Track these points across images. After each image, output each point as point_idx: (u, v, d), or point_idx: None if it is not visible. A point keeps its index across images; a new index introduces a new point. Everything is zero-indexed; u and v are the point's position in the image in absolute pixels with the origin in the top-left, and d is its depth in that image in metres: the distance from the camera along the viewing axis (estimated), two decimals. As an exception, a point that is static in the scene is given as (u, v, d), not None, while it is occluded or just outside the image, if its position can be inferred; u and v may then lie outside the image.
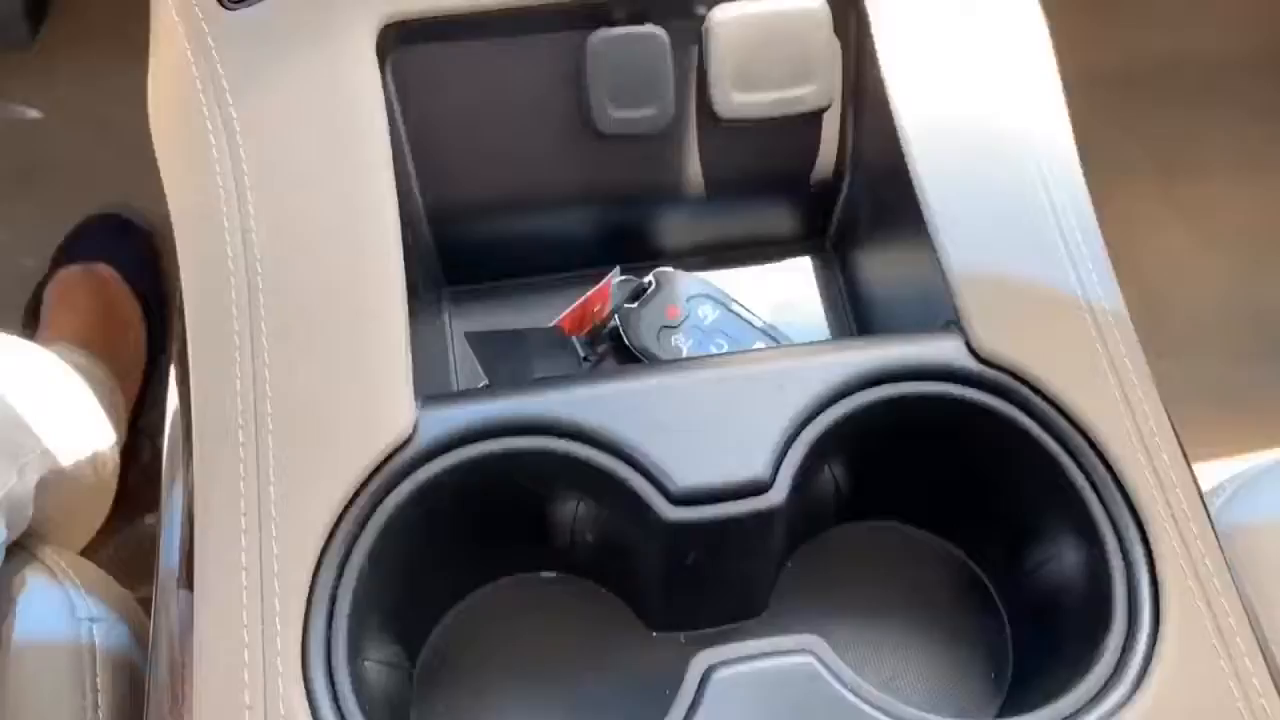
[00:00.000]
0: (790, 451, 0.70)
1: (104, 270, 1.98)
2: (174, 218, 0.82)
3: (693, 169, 0.94)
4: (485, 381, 0.83)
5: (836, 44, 0.90)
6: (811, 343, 0.89)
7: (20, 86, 2.32)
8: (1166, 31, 2.26)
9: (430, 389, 0.77)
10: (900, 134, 0.82)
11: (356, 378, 0.73)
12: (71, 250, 2.08)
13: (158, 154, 0.88)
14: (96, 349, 1.77)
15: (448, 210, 0.92)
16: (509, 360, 0.79)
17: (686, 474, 0.69)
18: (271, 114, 0.81)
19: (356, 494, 0.68)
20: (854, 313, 0.96)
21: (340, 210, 0.78)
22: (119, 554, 1.53)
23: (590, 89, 0.86)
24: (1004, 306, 0.76)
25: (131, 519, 1.67)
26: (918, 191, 0.80)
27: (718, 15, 0.86)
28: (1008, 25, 0.88)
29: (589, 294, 0.90)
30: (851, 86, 0.91)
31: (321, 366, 0.73)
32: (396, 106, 0.86)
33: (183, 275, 0.80)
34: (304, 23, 0.83)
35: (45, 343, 1.74)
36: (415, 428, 0.70)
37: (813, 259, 1.00)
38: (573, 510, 0.73)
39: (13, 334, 1.90)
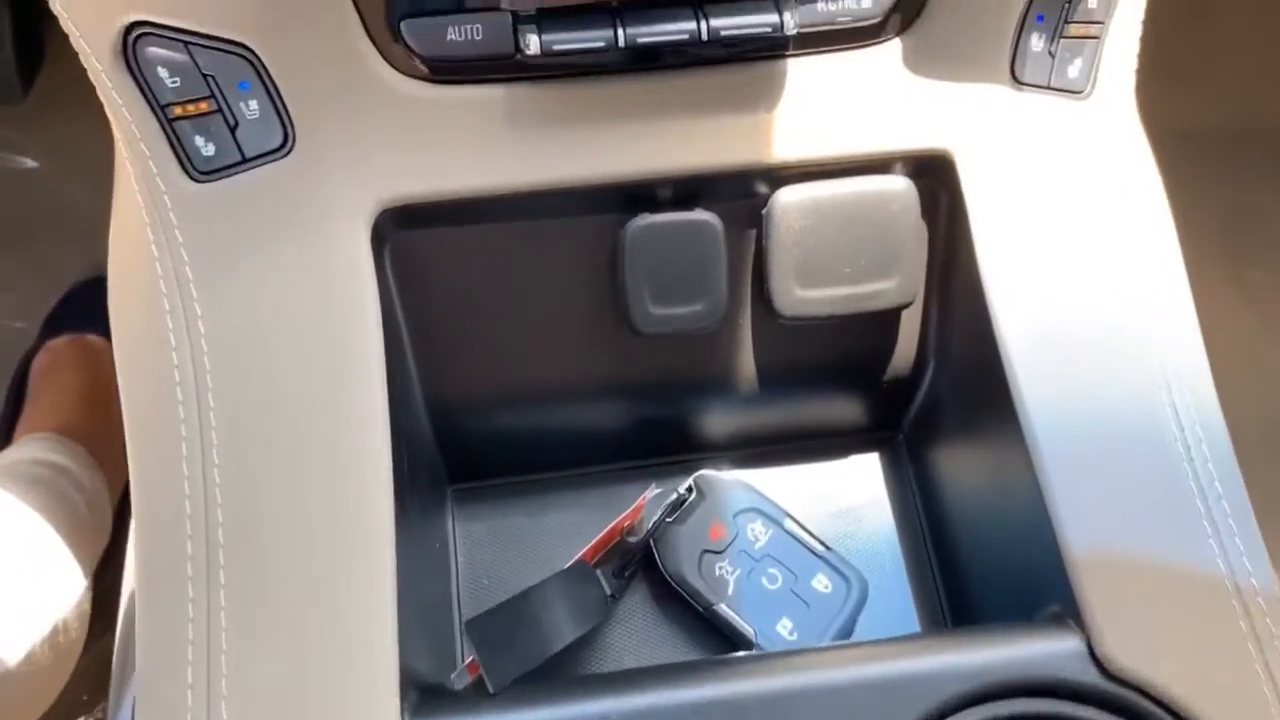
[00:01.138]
0: None
1: (94, 341, 1.86)
2: (128, 435, 0.69)
3: (744, 363, 0.79)
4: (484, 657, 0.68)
5: (924, 229, 0.75)
6: (898, 640, 0.73)
7: (14, 136, 2.20)
8: (1238, 97, 2.11)
9: (429, 598, 0.64)
10: (1000, 346, 0.68)
11: (331, 668, 0.59)
12: (60, 318, 1.96)
13: (113, 339, 0.75)
14: (81, 435, 1.65)
15: (452, 404, 0.78)
16: (517, 637, 0.65)
17: None
18: (242, 310, 0.68)
19: None
20: (929, 527, 0.82)
21: (321, 428, 0.65)
22: (92, 666, 1.42)
23: (627, 284, 0.72)
24: (1132, 595, 0.61)
25: (110, 625, 1.56)
26: (1019, 416, 0.66)
27: (782, 198, 0.72)
28: (1128, 209, 0.74)
29: (616, 520, 0.75)
30: (939, 276, 0.77)
31: (289, 651, 0.59)
32: (396, 294, 0.73)
33: (134, 505, 0.67)
34: (287, 204, 0.69)
35: (24, 434, 1.63)
36: None
37: (881, 455, 0.86)
38: None
39: (-7, 418, 1.80)
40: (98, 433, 1.67)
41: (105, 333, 1.99)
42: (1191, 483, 0.67)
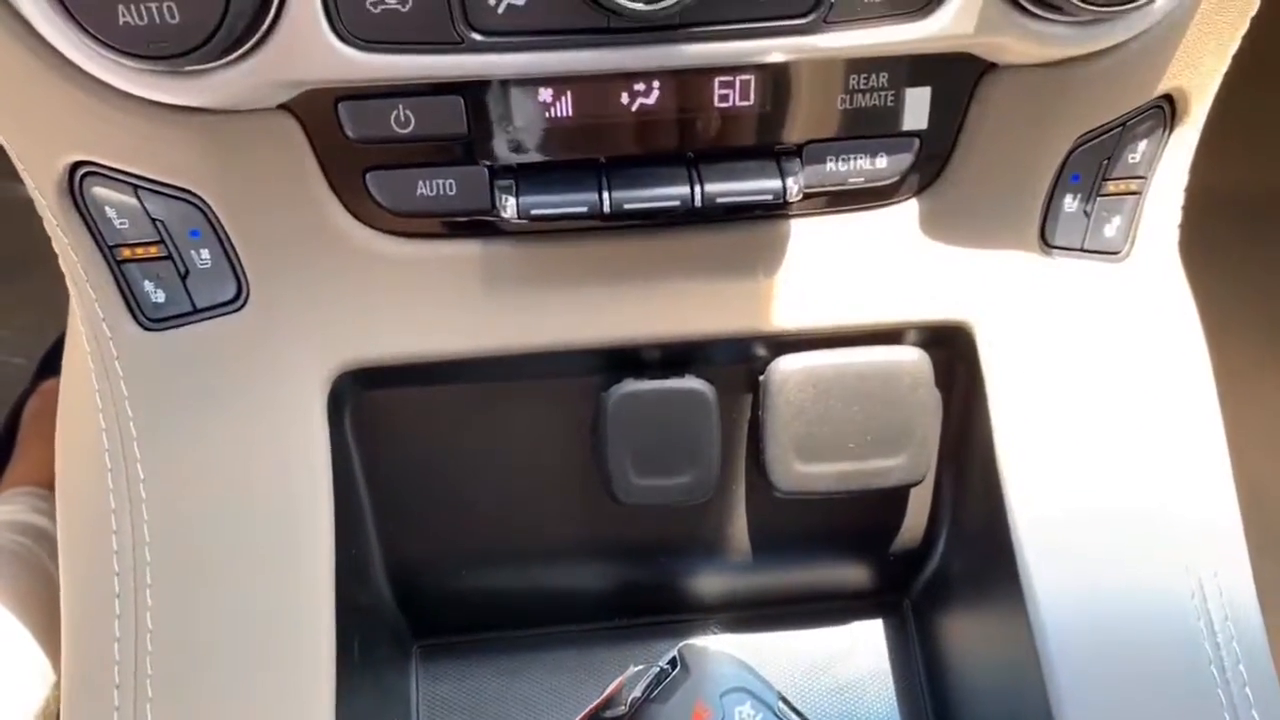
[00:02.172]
0: None
1: (90, 384, 1.83)
2: (63, 596, 0.64)
3: (736, 531, 0.73)
4: None
5: (938, 402, 0.68)
6: None
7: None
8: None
9: None
10: (1011, 528, 0.62)
11: None
12: (57, 357, 1.93)
13: (57, 486, 0.70)
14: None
15: (416, 564, 0.73)
16: None
17: None
18: (187, 473, 0.62)
19: None
20: (933, 708, 0.75)
21: (261, 606, 0.60)
22: None
23: (608, 452, 0.65)
24: None
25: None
26: (1028, 605, 0.61)
27: (782, 366, 0.65)
28: (1165, 379, 0.67)
29: (591, 706, 0.69)
30: (952, 449, 0.70)
31: None
32: (356, 455, 0.67)
33: (64, 663, 0.62)
34: (239, 360, 0.63)
35: (10, 485, 1.59)
36: None
37: (886, 621, 0.79)
38: None
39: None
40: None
41: (102, 374, 1.92)
42: (1220, 691, 0.60)
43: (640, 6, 0.50)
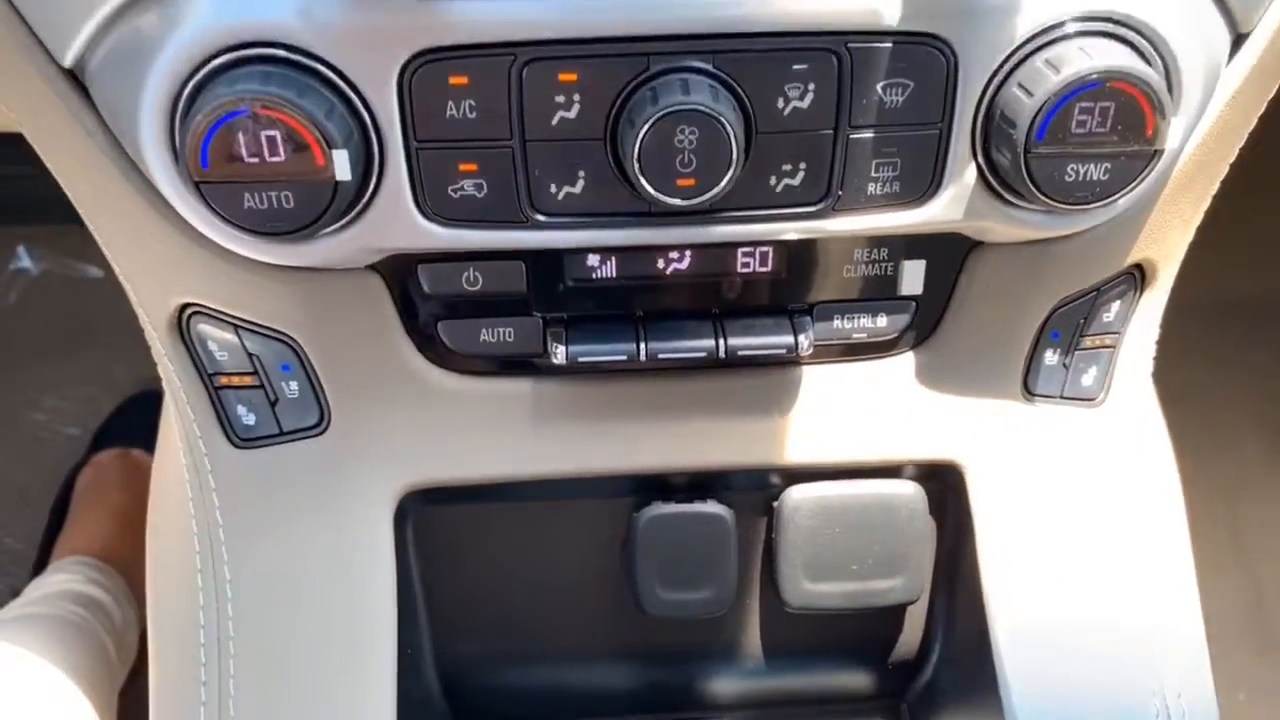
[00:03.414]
0: None
1: (140, 457, 1.91)
2: (151, 681, 0.72)
3: (750, 640, 0.81)
4: None
5: (932, 530, 0.77)
6: None
7: (85, 246, 2.29)
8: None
9: None
10: (994, 646, 0.69)
11: None
12: (110, 430, 2.03)
13: (147, 580, 0.79)
14: (118, 559, 1.69)
15: (462, 662, 0.81)
16: None
17: None
18: (268, 575, 0.71)
19: None
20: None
21: (331, 695, 0.68)
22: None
23: (637, 568, 0.74)
24: None
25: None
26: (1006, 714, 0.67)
27: (794, 495, 0.74)
28: (1138, 514, 0.75)
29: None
30: (945, 572, 0.78)
31: None
32: (415, 564, 0.76)
33: None
34: (318, 479, 0.72)
35: (63, 554, 1.68)
36: None
37: (884, 721, 0.86)
38: None
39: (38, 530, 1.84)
40: (134, 555, 1.71)
41: (152, 448, 2.04)
42: None
43: (677, 201, 0.60)
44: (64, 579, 1.59)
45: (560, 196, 0.63)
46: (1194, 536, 0.80)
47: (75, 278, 2.19)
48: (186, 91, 0.58)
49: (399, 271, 0.69)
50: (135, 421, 2.00)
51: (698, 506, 0.74)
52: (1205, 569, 0.77)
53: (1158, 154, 0.60)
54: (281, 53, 0.58)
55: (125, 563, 1.69)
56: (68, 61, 0.62)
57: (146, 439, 2.03)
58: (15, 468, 1.98)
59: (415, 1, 0.58)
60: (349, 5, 0.57)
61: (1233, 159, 0.73)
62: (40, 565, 1.74)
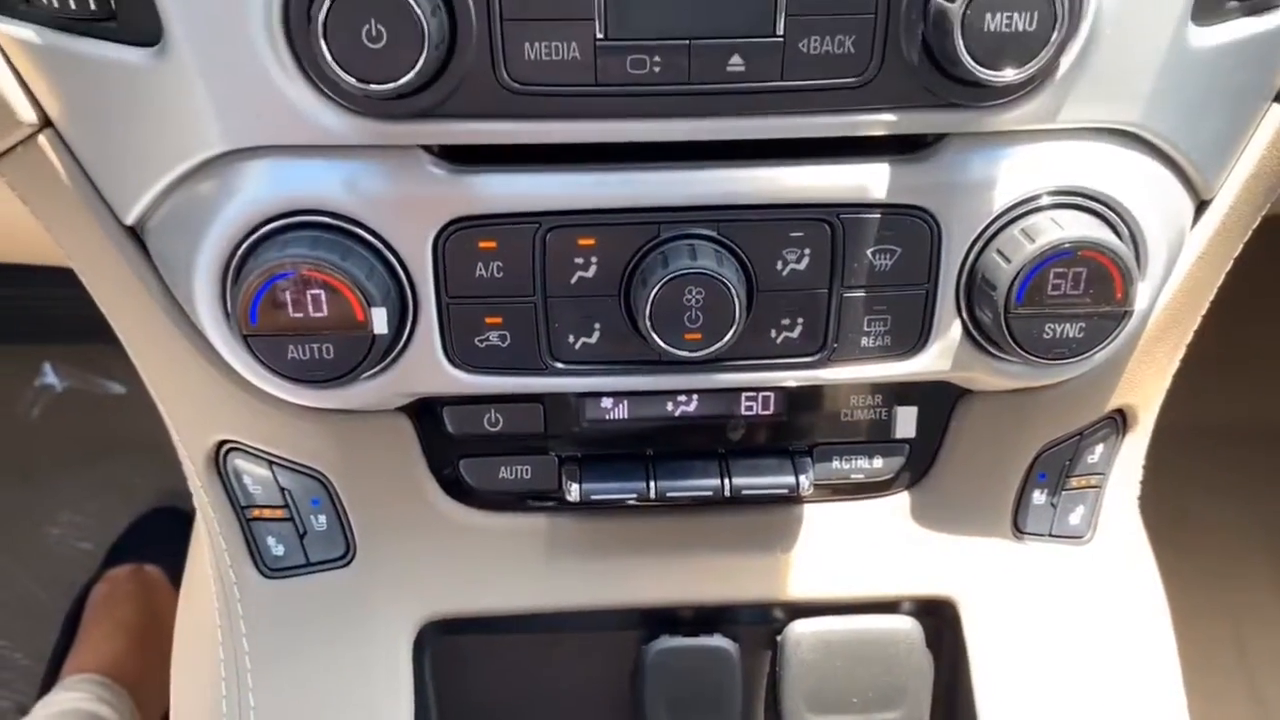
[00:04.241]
0: None
1: (153, 574, 1.94)
2: None
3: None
4: None
5: (929, 662, 0.80)
6: None
7: (110, 363, 2.37)
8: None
9: None
10: None
11: None
12: (125, 546, 2.05)
13: (172, 702, 0.81)
14: (128, 676, 1.70)
15: None
16: None
17: None
18: (292, 700, 0.74)
19: None
20: None
21: None
22: None
23: (645, 699, 0.77)
24: None
25: None
26: None
27: (796, 629, 0.78)
28: (1128, 647, 0.78)
29: None
30: (944, 701, 0.81)
31: None
32: (432, 687, 0.79)
33: None
34: (342, 608, 0.76)
35: (72, 672, 1.69)
36: None
37: None
38: None
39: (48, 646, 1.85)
40: (144, 674, 1.72)
41: (166, 564, 2.07)
42: None
43: (685, 354, 0.65)
44: (72, 698, 1.60)
45: (577, 346, 0.68)
46: (1200, 661, 0.82)
47: (98, 393, 2.25)
48: (239, 253, 0.64)
49: (425, 413, 0.74)
50: (149, 537, 2.04)
51: (704, 640, 0.77)
52: (1212, 694, 0.79)
53: (1128, 314, 0.65)
54: (328, 219, 0.64)
55: (134, 681, 1.70)
56: (129, 220, 0.69)
57: (160, 555, 2.06)
58: (29, 581, 2.01)
59: (450, 176, 0.64)
60: (391, 179, 0.64)
61: (1205, 310, 0.79)
62: (49, 681, 1.75)
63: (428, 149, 0.64)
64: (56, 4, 0.62)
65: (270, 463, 0.76)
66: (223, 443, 0.76)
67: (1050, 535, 0.80)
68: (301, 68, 0.59)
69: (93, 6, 0.62)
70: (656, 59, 0.60)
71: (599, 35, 0.59)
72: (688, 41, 0.60)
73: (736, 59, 0.61)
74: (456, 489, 0.77)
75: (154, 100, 0.63)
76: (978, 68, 0.58)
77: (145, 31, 0.62)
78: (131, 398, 2.38)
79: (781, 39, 0.60)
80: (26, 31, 0.64)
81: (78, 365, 2.26)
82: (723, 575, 0.77)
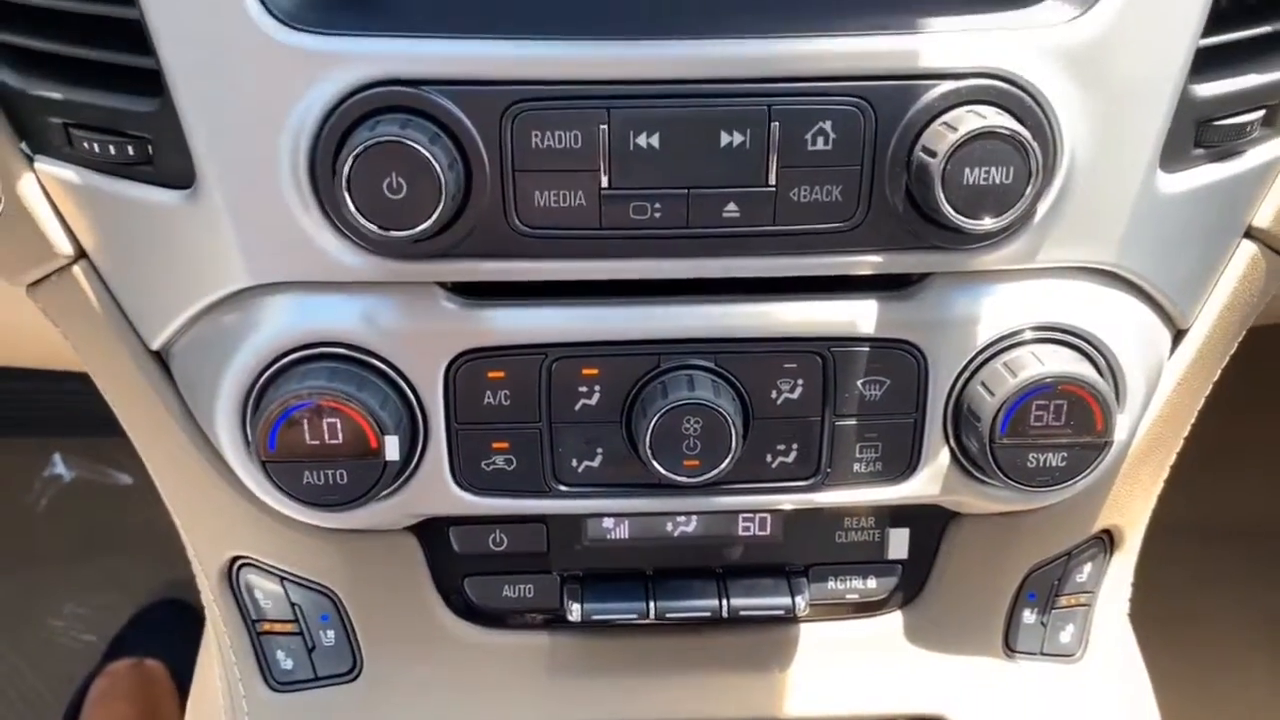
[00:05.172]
0: None
1: (154, 668, 1.93)
2: None
3: None
4: None
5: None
6: None
7: (117, 451, 2.40)
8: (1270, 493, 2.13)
9: None
10: None
11: None
12: (127, 639, 2.05)
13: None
14: (127, 774, 1.70)
15: None
16: None
17: None
18: None
19: None
20: None
21: None
22: None
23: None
24: None
25: None
26: None
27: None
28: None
29: None
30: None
31: None
32: None
33: None
34: None
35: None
36: None
37: None
38: None
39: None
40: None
41: (168, 658, 2.07)
42: None
43: (684, 479, 0.68)
44: (72, 795, 1.59)
45: (580, 470, 0.71)
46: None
47: (105, 483, 2.27)
48: (260, 383, 0.68)
49: (432, 533, 0.77)
50: (151, 630, 2.04)
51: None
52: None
53: (1108, 444, 0.68)
54: (344, 351, 0.68)
55: (132, 778, 1.69)
56: (155, 345, 0.72)
57: (161, 648, 2.06)
58: (31, 674, 2.01)
59: (462, 310, 0.68)
60: (406, 313, 0.67)
61: (1185, 434, 0.81)
62: (47, 779, 1.74)
63: (441, 284, 0.68)
64: (98, 149, 0.67)
65: (281, 578, 0.79)
66: (236, 558, 0.79)
67: (1041, 654, 0.82)
68: (325, 214, 0.63)
69: (131, 152, 0.67)
70: (657, 206, 0.64)
71: (604, 185, 0.64)
72: (686, 190, 0.64)
73: (732, 206, 0.65)
74: (462, 606, 0.79)
75: (184, 237, 0.67)
76: (958, 217, 0.62)
77: (179, 175, 0.66)
78: (137, 489, 2.39)
79: (774, 189, 0.64)
80: (67, 172, 0.68)
81: (87, 456, 2.29)
82: (721, 693, 0.79)
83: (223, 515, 0.76)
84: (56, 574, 2.14)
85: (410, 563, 0.77)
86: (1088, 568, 0.82)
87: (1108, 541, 0.83)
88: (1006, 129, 0.60)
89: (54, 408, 2.10)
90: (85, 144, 0.67)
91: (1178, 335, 0.76)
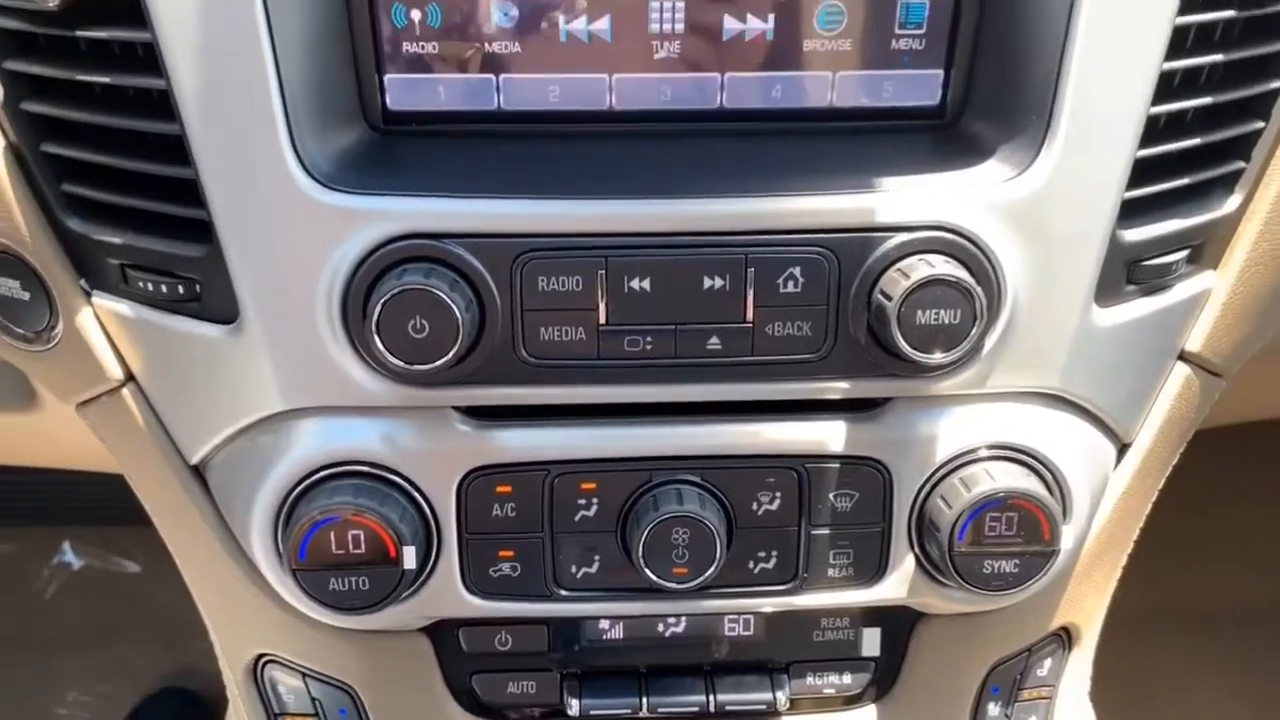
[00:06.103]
0: None
1: (157, 757, 1.97)
2: None
3: None
4: None
5: None
6: None
7: (128, 545, 2.45)
8: (1262, 575, 2.17)
9: None
10: None
11: None
12: (129, 730, 2.09)
13: None
14: None
15: None
16: None
17: None
18: None
19: None
20: None
21: None
22: None
23: None
24: None
25: None
26: None
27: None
28: None
29: None
30: None
31: None
32: None
33: None
34: None
35: None
36: None
37: None
38: None
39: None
40: None
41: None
42: None
43: (673, 585, 0.75)
44: None
45: (579, 575, 0.78)
46: None
47: (113, 571, 2.32)
48: (291, 497, 0.75)
49: (443, 636, 0.84)
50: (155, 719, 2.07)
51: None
52: None
53: (1055, 553, 0.76)
54: (368, 469, 0.75)
55: None
56: (194, 460, 0.80)
57: (163, 740, 2.08)
58: (32, 766, 2.03)
59: (474, 431, 0.75)
60: (423, 434, 0.75)
61: (1135, 537, 0.89)
62: None
63: (455, 407, 0.76)
64: (151, 287, 0.75)
65: (303, 674, 0.85)
66: (261, 655, 0.85)
67: (1005, 742, 0.88)
68: (355, 349, 0.71)
69: (181, 291, 0.75)
70: (649, 339, 0.73)
71: (602, 321, 0.72)
72: (674, 326, 0.73)
73: (714, 340, 0.73)
74: (470, 701, 0.85)
75: (225, 366, 0.75)
76: (913, 352, 0.70)
77: (223, 312, 0.74)
78: (144, 577, 2.44)
79: (751, 325, 0.73)
80: (122, 306, 0.76)
81: (96, 544, 2.33)
82: None
83: (251, 616, 0.83)
84: (62, 662, 2.17)
85: (422, 661, 0.84)
86: (1048, 663, 0.89)
87: (1066, 638, 0.89)
88: (953, 276, 0.69)
89: (64, 497, 2.16)
90: (140, 283, 0.75)
91: (1123, 448, 0.84)
